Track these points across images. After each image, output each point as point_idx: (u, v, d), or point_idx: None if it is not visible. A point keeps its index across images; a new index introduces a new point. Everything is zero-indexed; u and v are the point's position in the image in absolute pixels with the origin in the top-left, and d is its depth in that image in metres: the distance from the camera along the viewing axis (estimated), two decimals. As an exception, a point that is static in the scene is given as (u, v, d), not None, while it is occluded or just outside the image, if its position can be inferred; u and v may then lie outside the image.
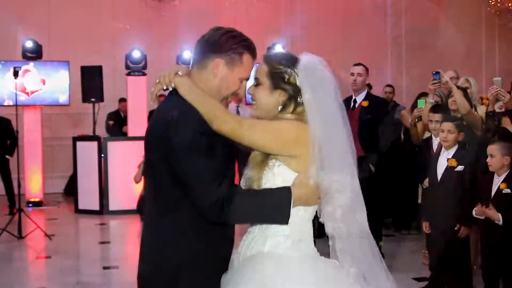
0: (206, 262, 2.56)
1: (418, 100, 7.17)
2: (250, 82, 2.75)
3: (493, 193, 5.04)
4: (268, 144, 2.56)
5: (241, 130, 2.52)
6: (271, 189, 2.56)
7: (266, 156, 2.63)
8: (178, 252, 2.55)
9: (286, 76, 2.62)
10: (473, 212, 5.06)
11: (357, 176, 2.65)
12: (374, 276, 2.66)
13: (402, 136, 8.44)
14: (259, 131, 2.56)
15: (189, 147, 2.45)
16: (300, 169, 2.56)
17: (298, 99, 2.62)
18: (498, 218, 4.91)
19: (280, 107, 2.65)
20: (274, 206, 2.51)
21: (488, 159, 5.05)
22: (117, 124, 12.13)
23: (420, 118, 7.01)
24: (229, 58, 2.61)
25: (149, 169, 2.67)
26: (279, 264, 2.52)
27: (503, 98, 5.66)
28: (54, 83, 11.47)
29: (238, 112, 7.98)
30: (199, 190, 2.45)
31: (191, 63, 2.73)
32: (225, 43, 2.61)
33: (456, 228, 5.27)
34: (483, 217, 5.02)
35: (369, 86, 8.06)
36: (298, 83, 2.61)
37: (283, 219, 2.51)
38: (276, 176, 2.58)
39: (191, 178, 2.46)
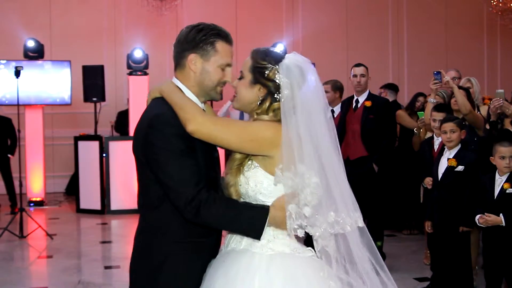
0: (190, 252, 2.65)
1: (417, 113, 7.15)
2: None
3: (496, 194, 5.03)
4: (243, 144, 2.59)
5: (216, 132, 2.56)
6: (250, 205, 2.60)
7: (244, 160, 2.67)
8: (161, 243, 2.65)
9: (267, 72, 2.64)
10: (476, 221, 5.04)
11: (344, 174, 2.65)
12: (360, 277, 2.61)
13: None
14: (234, 132, 2.58)
15: (165, 149, 2.54)
16: (273, 171, 2.58)
17: (276, 95, 2.63)
18: (501, 220, 4.91)
19: (258, 102, 2.68)
20: (249, 222, 2.56)
21: (502, 161, 5.02)
22: (127, 123, 12.09)
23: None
24: (202, 50, 2.68)
25: (137, 166, 2.73)
26: (250, 261, 2.57)
27: (507, 110, 5.62)
28: (55, 83, 11.46)
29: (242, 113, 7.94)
30: (174, 190, 2.54)
31: (174, 66, 2.82)
32: (194, 37, 2.68)
33: (460, 231, 5.25)
34: (485, 226, 5.02)
35: None
36: (277, 80, 2.62)
37: (256, 235, 2.56)
38: (248, 178, 2.62)
39: (167, 179, 2.54)
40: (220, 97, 2.80)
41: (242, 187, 2.64)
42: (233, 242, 2.71)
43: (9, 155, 10.93)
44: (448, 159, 5.38)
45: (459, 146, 5.43)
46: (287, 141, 2.54)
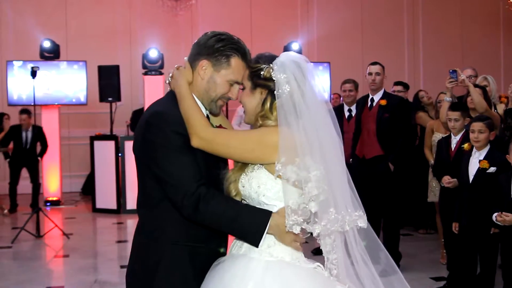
0: (186, 256, 2.60)
1: None
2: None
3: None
4: (245, 156, 2.56)
5: (217, 147, 2.54)
6: (252, 207, 2.55)
7: None
8: (158, 243, 2.61)
9: (262, 72, 2.60)
10: (494, 218, 4.98)
11: (344, 171, 2.57)
12: (355, 281, 2.53)
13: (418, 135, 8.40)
14: (234, 146, 2.55)
15: (163, 146, 2.52)
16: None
17: (275, 92, 2.57)
18: None
19: (261, 104, 2.62)
20: (249, 224, 2.48)
21: None
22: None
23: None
24: (216, 60, 2.64)
25: (137, 165, 2.72)
26: (246, 267, 2.50)
27: None
28: (71, 83, 11.55)
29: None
30: (173, 186, 2.50)
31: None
32: (213, 45, 2.64)
33: (492, 232, 5.18)
34: (502, 224, 4.96)
35: None
36: (274, 77, 2.56)
37: (254, 240, 2.48)
38: (252, 179, 2.57)
39: (166, 175, 2.52)
40: (219, 111, 2.78)
41: (245, 189, 2.58)
42: (234, 248, 2.65)
43: (38, 158, 11.05)
44: (480, 160, 5.27)
45: (489, 146, 5.32)
46: (288, 135, 2.48)
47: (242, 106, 2.72)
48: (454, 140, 5.96)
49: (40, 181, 11.01)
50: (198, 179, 2.50)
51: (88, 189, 12.11)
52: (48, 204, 11.44)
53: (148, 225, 2.66)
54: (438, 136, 6.75)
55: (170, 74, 2.76)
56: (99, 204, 10.89)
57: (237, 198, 2.62)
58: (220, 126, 2.78)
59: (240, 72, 2.66)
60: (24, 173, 11.20)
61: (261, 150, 2.52)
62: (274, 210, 2.53)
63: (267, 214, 2.49)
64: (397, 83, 8.72)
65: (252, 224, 2.47)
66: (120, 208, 10.70)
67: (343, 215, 2.47)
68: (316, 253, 2.55)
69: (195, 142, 2.52)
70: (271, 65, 2.59)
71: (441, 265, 6.77)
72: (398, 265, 6.33)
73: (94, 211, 10.89)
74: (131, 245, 2.76)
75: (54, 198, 11.57)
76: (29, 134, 11.07)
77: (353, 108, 7.61)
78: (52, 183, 11.68)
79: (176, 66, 2.77)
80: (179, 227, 2.58)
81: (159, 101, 2.73)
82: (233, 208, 2.50)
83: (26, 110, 10.89)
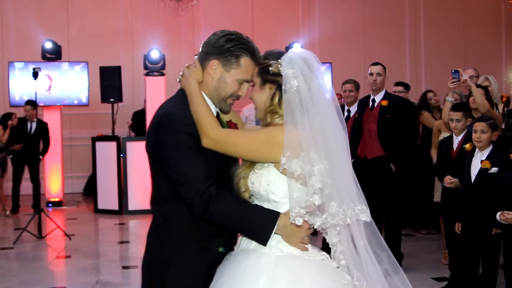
0: (196, 251, 2.65)
1: None
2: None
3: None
4: (253, 154, 2.60)
5: (226, 146, 2.59)
6: (260, 207, 2.58)
7: None
8: (170, 240, 2.67)
9: (271, 68, 2.63)
10: (497, 218, 4.98)
11: (349, 166, 2.60)
12: (362, 271, 2.55)
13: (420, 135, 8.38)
14: (243, 145, 2.59)
15: (174, 146, 2.57)
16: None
17: (283, 87, 2.60)
18: None
19: (270, 99, 2.66)
20: (257, 223, 2.54)
21: None
22: (144, 124, 12.15)
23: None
24: (225, 59, 2.68)
25: (150, 164, 2.75)
26: (258, 261, 2.54)
27: None
28: (73, 84, 11.57)
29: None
30: (185, 185, 2.55)
31: None
32: (223, 45, 2.68)
33: (493, 233, 5.18)
34: (506, 223, 4.95)
35: None
36: (282, 72, 2.59)
37: (263, 240, 2.54)
38: (261, 177, 2.59)
39: (177, 175, 2.57)
40: (229, 109, 2.81)
41: (254, 186, 2.61)
42: (244, 243, 2.70)
43: (40, 157, 11.05)
44: (482, 161, 5.26)
45: (491, 146, 5.31)
46: (293, 130, 2.52)
47: (253, 103, 2.75)
48: (456, 140, 5.95)
49: (40, 180, 11.01)
50: (208, 179, 2.54)
51: (90, 190, 12.12)
52: (50, 205, 11.45)
53: (160, 222, 2.73)
54: (445, 136, 6.75)
55: (181, 73, 2.78)
56: (101, 205, 10.89)
57: (246, 194, 2.65)
58: (230, 121, 2.81)
59: (249, 71, 2.71)
60: (26, 173, 11.21)
61: (269, 149, 2.55)
62: (282, 207, 2.57)
63: (275, 214, 2.54)
64: (398, 84, 8.71)
65: (261, 224, 2.53)
66: (122, 209, 10.70)
67: (345, 209, 2.50)
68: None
69: (205, 143, 2.57)
70: (279, 60, 2.62)
71: (443, 265, 6.77)
72: (400, 266, 6.30)
73: (96, 212, 10.90)
74: (146, 241, 2.80)
75: (56, 199, 11.59)
76: (34, 125, 11.05)
77: (352, 108, 7.59)
78: (54, 184, 11.69)
79: (186, 64, 2.80)
80: (190, 224, 2.63)
81: (169, 101, 2.78)
82: (242, 208, 2.56)
83: (31, 101, 10.84)
